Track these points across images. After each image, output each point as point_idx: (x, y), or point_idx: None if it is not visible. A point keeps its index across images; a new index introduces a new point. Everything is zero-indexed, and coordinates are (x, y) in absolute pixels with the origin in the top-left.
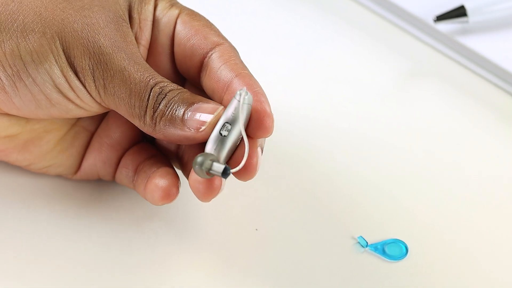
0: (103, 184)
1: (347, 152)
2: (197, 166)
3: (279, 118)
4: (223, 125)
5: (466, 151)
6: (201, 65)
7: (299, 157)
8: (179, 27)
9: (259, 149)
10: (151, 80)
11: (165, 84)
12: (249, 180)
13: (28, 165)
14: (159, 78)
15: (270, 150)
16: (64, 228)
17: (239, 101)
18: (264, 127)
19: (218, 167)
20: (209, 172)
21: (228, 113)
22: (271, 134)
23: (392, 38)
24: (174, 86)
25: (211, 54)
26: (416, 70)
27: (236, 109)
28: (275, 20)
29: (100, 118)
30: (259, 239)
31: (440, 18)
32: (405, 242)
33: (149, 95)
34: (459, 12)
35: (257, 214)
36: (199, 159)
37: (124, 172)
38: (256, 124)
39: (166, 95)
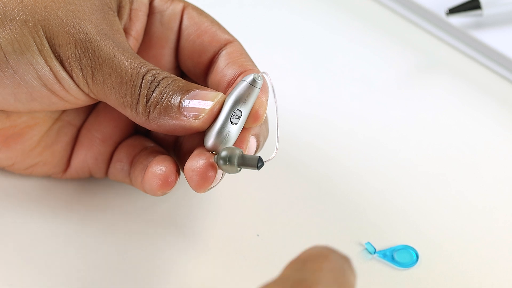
0: (94, 183)
1: (354, 153)
2: (221, 161)
3: (285, 117)
4: (233, 112)
5: (480, 151)
6: (210, 62)
7: (303, 159)
8: (186, 23)
9: (252, 138)
10: (142, 68)
11: (158, 71)
12: (247, 182)
13: (12, 165)
14: (150, 65)
15: (272, 152)
16: (54, 231)
17: (251, 84)
18: (256, 115)
19: (251, 159)
20: (240, 165)
21: (240, 97)
22: (261, 122)
23: (403, 32)
24: (167, 73)
25: (221, 51)
26: (428, 65)
27: (249, 94)
28: (279, 13)
29: (86, 112)
30: (261, 246)
31: (453, 11)
32: (415, 249)
33: (141, 83)
34: (473, 5)
35: (258, 219)
36: (224, 153)
37: (119, 166)
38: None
39: (159, 82)
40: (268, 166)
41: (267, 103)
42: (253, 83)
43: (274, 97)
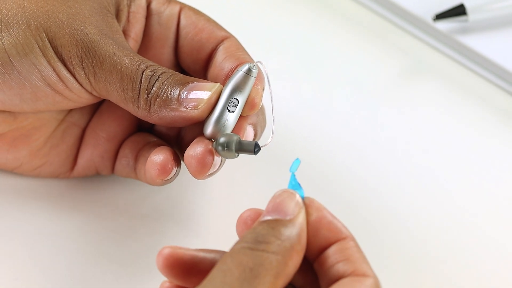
0: (97, 180)
1: (346, 152)
2: (219, 147)
3: (278, 119)
4: (230, 101)
5: (465, 151)
6: (209, 58)
7: (298, 155)
8: (184, 22)
9: (249, 127)
10: (141, 64)
11: (157, 67)
12: (245, 176)
13: (20, 165)
14: (149, 62)
15: (269, 150)
16: (58, 227)
17: (246, 73)
18: (252, 103)
19: (248, 144)
20: (238, 151)
21: (236, 86)
22: (257, 110)
23: (391, 37)
24: (165, 69)
25: (219, 47)
26: (415, 69)
27: (245, 82)
28: (272, 18)
29: (90, 113)
30: None
31: (440, 16)
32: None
33: (141, 78)
34: (459, 11)
35: None
36: (222, 139)
37: (124, 162)
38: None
39: (158, 77)
40: (265, 163)
41: (262, 91)
42: (248, 72)
43: (269, 85)
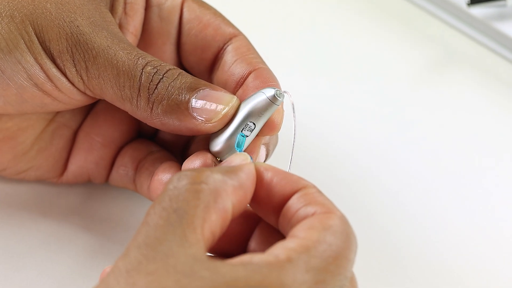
0: (90, 188)
1: (370, 152)
2: None
3: (299, 117)
4: (246, 124)
5: (505, 149)
6: (215, 58)
7: (314, 158)
8: (187, 16)
9: (262, 147)
10: (140, 59)
11: (159, 63)
12: None
13: (3, 169)
14: (149, 56)
15: (282, 153)
16: (46, 238)
17: (271, 100)
18: (272, 125)
19: None
20: None
21: (256, 111)
22: (277, 133)
23: (420, 24)
24: (170, 65)
25: (227, 46)
26: (447, 60)
27: (266, 109)
28: (286, 6)
29: (82, 113)
30: None
31: (475, 1)
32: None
33: (141, 75)
34: None
35: None
36: None
37: (123, 171)
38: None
39: (163, 76)
40: (277, 164)
41: (283, 111)
42: (273, 99)
43: (294, 116)
